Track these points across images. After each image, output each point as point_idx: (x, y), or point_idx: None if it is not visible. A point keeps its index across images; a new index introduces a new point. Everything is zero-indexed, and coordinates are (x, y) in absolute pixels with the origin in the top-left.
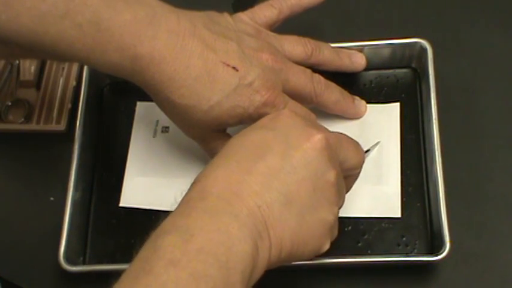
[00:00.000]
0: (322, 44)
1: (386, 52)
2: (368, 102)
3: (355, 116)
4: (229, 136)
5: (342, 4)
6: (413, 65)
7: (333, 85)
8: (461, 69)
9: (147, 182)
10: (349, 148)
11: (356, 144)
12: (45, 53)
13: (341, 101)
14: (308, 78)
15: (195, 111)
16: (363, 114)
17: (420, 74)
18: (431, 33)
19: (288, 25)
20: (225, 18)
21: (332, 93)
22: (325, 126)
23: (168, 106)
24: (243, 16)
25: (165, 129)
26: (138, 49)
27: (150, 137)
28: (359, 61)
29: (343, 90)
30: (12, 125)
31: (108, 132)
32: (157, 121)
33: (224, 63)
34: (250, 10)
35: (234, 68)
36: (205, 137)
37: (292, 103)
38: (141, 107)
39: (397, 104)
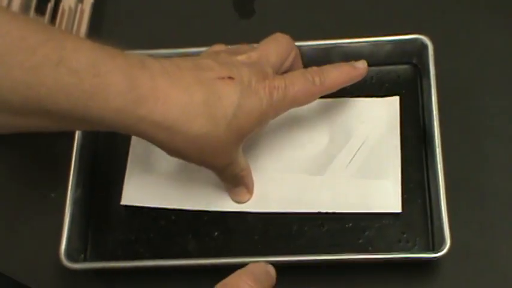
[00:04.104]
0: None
1: (387, 48)
2: None
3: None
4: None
5: (342, 0)
6: (414, 61)
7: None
8: (462, 66)
9: (148, 180)
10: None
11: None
12: (40, 115)
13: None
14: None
15: (216, 134)
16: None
17: (421, 70)
18: (432, 30)
19: (289, 23)
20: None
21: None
22: (323, 119)
23: (186, 145)
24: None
25: None
26: (140, 91)
27: None
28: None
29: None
30: None
31: None
32: None
33: (218, 77)
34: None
35: (229, 77)
36: (232, 157)
37: (290, 76)
38: None
39: (397, 98)
